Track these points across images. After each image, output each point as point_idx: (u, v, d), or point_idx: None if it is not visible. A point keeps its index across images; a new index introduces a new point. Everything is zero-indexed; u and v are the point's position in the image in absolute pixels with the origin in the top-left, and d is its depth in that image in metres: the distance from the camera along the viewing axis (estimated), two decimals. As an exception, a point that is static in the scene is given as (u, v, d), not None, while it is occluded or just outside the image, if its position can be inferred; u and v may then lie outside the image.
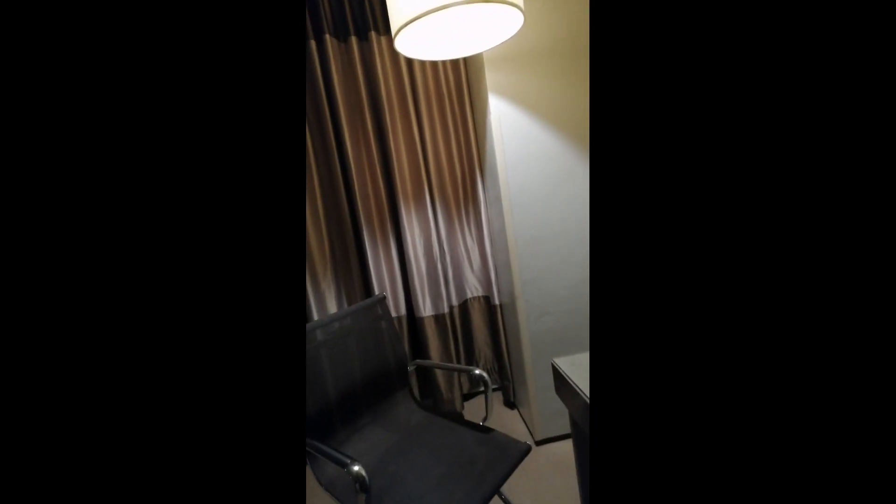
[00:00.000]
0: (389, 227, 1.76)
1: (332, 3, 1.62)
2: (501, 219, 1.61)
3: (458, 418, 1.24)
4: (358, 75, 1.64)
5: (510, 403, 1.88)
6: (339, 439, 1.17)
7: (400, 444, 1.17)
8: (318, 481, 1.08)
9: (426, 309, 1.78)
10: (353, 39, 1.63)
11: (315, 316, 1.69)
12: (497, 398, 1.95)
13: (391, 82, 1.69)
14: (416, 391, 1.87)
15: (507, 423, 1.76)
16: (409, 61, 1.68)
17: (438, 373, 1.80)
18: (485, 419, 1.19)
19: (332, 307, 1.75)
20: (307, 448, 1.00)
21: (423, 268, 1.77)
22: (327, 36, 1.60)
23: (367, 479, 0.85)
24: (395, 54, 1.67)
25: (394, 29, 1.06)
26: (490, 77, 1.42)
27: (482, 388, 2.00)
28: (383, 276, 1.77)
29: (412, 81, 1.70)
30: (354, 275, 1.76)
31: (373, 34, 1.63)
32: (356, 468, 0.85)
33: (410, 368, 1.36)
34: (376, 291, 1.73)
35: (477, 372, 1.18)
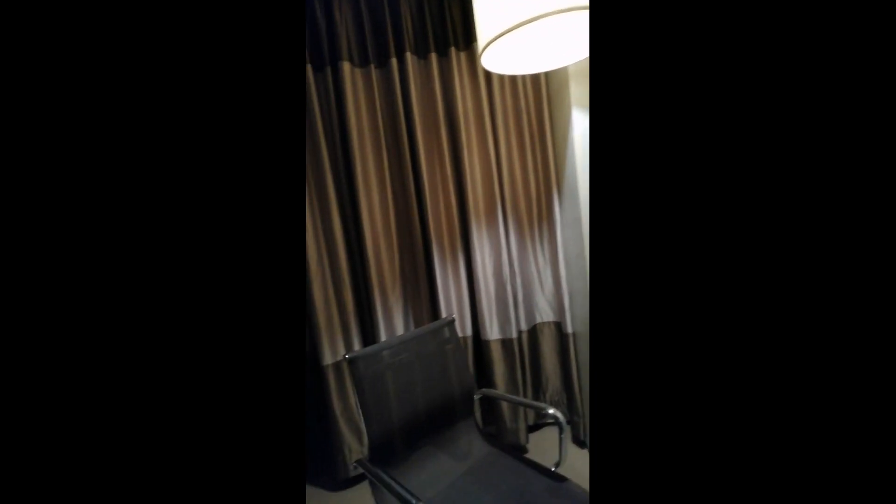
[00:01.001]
0: (459, 245, 1.71)
1: (415, 20, 1.63)
2: (580, 242, 1.49)
3: (524, 455, 1.14)
4: (436, 92, 1.64)
5: (580, 441, 1.73)
6: (401, 464, 1.12)
7: (464, 481, 1.09)
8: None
9: (493, 332, 1.70)
10: (433, 56, 1.63)
11: (382, 332, 1.69)
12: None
13: (468, 98, 1.66)
14: (478, 417, 1.79)
15: (578, 465, 1.61)
16: (488, 76, 1.64)
17: (504, 402, 1.70)
18: (557, 465, 1.08)
19: (399, 323, 1.73)
20: (370, 475, 0.96)
21: (491, 289, 1.70)
22: (408, 54, 1.61)
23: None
24: (473, 70, 1.64)
25: (482, 43, 1.02)
26: (575, 91, 1.33)
27: (550, 421, 1.87)
28: (451, 294, 1.72)
29: (490, 97, 1.65)
30: (422, 291, 1.74)
31: (452, 50, 1.61)
32: (421, 510, 0.79)
33: (476, 397, 1.29)
34: (443, 309, 1.69)
35: (551, 411, 1.08)
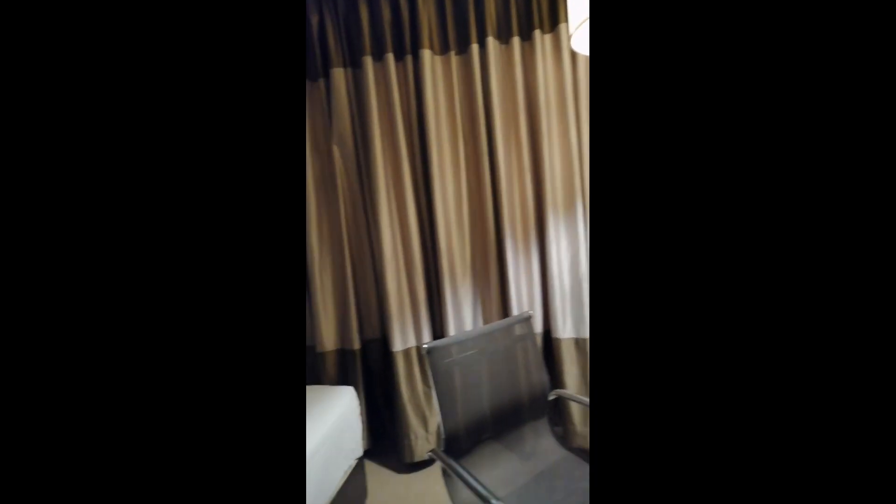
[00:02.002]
0: (534, 238, 1.65)
1: (499, 4, 1.57)
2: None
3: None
4: (516, 77, 1.57)
5: (656, 453, 1.61)
6: (473, 457, 1.11)
7: (538, 482, 1.06)
8: (449, 496, 1.04)
9: (566, 330, 1.63)
10: (516, 40, 1.57)
11: (451, 324, 1.68)
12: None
13: (551, 84, 1.57)
14: (544, 416, 1.74)
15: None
16: (574, 60, 1.55)
17: (574, 403, 1.63)
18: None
19: (468, 316, 1.72)
20: (446, 466, 0.96)
21: (566, 285, 1.62)
22: (490, 38, 1.56)
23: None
24: (558, 54, 1.56)
25: (574, 23, 0.95)
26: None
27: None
28: (522, 289, 1.67)
29: (575, 81, 1.56)
30: (492, 285, 1.71)
31: (537, 33, 1.54)
32: (501, 510, 0.77)
33: (551, 398, 1.24)
34: (514, 304, 1.65)
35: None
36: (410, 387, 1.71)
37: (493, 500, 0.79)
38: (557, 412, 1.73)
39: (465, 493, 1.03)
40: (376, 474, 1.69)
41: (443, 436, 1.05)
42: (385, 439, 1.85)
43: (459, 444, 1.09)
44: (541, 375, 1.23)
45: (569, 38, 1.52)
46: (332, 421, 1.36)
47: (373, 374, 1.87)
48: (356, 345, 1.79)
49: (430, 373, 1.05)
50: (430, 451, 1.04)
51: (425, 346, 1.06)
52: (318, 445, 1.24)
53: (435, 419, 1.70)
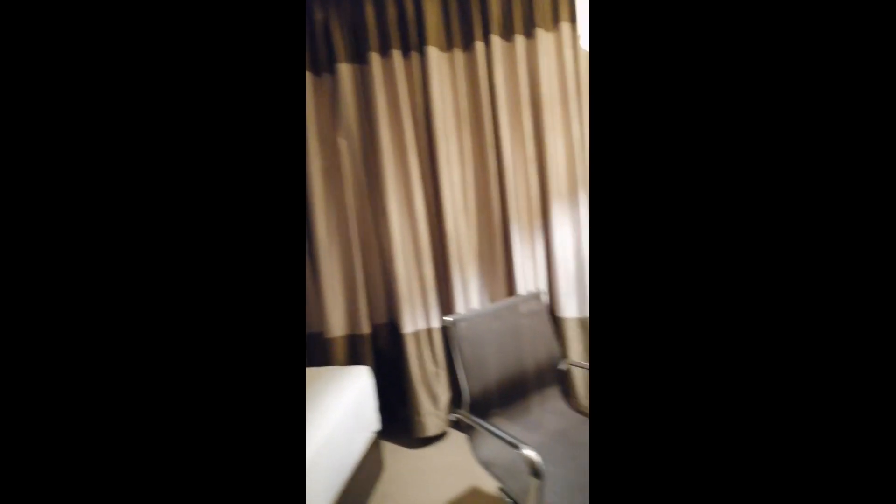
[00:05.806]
0: (538, 225, 1.76)
1: (502, 2, 1.67)
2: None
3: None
4: (519, 73, 1.67)
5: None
6: (493, 422, 1.20)
7: (556, 441, 1.16)
8: (473, 453, 1.13)
9: (569, 310, 1.74)
10: (519, 38, 1.66)
11: (459, 307, 1.77)
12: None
13: (553, 79, 1.68)
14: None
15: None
16: (576, 56, 1.65)
17: (580, 377, 1.75)
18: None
19: (474, 298, 1.82)
20: (473, 423, 1.05)
21: (570, 268, 1.73)
22: (494, 36, 1.65)
23: (542, 465, 0.86)
24: (560, 51, 1.66)
25: (584, 24, 1.05)
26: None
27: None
28: (527, 272, 1.77)
29: (577, 76, 1.66)
30: (499, 269, 1.80)
31: (540, 31, 1.64)
32: (531, 454, 0.86)
33: (563, 367, 1.35)
34: (520, 286, 1.75)
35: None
36: (421, 366, 1.79)
37: (522, 446, 0.88)
38: (564, 382, 1.84)
39: (488, 450, 1.13)
40: (390, 450, 1.77)
41: (468, 401, 1.14)
42: (395, 419, 1.93)
43: (479, 409, 1.19)
44: (552, 347, 1.34)
45: (573, 36, 1.63)
46: (352, 396, 1.43)
47: (381, 357, 1.94)
48: (366, 329, 1.86)
49: (455, 346, 1.14)
50: (454, 411, 1.13)
51: (450, 318, 1.14)
52: (340, 419, 1.31)
53: (444, 396, 1.79)
